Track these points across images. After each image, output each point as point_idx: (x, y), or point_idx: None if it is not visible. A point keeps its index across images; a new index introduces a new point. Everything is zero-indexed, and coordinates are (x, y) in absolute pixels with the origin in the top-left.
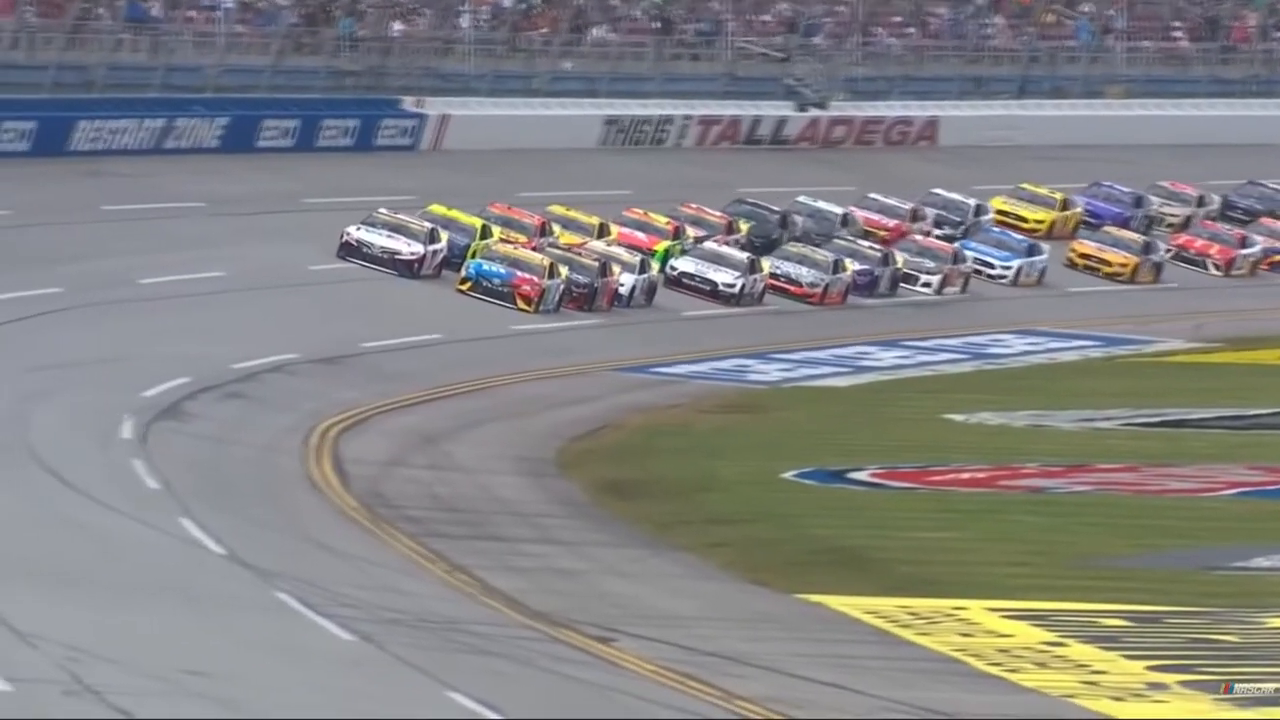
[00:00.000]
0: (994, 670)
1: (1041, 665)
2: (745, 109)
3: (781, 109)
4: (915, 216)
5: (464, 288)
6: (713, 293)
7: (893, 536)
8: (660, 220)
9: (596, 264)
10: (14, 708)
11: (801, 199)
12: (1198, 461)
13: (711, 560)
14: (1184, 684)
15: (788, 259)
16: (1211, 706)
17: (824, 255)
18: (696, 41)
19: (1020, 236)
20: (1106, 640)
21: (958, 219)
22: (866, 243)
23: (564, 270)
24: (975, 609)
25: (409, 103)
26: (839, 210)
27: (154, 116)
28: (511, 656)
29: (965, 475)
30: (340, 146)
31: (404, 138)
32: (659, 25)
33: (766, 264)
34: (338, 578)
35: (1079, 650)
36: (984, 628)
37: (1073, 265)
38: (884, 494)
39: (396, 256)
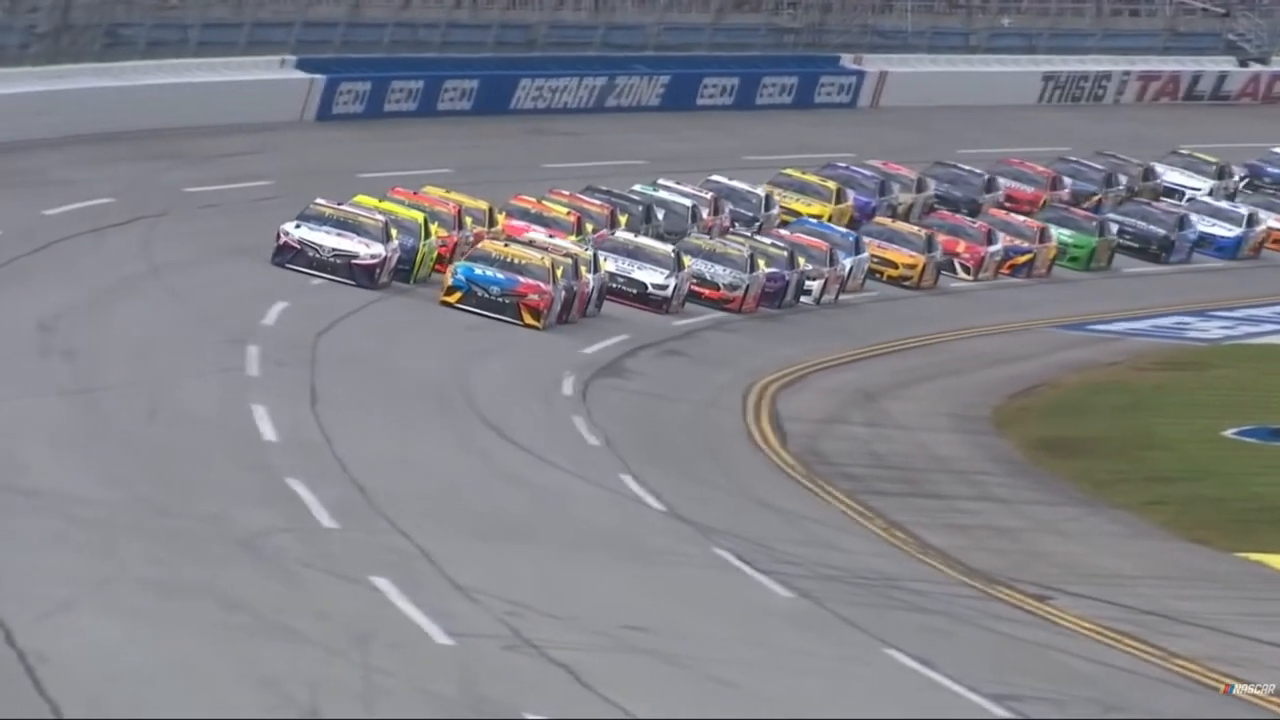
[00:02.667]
0: None
1: None
2: (1185, 64)
3: (1222, 64)
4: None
5: (451, 300)
6: (640, 297)
7: None
8: (559, 210)
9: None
10: (455, 662)
11: (715, 178)
12: None
13: (1150, 518)
14: None
15: (698, 255)
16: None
17: (737, 249)
18: None
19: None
20: None
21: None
22: (769, 239)
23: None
24: None
25: (848, 60)
26: (756, 192)
27: (595, 75)
28: (949, 614)
29: None
30: (779, 104)
31: (842, 95)
32: None
33: (687, 260)
34: (777, 535)
35: None
36: None
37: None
38: None
39: (353, 261)
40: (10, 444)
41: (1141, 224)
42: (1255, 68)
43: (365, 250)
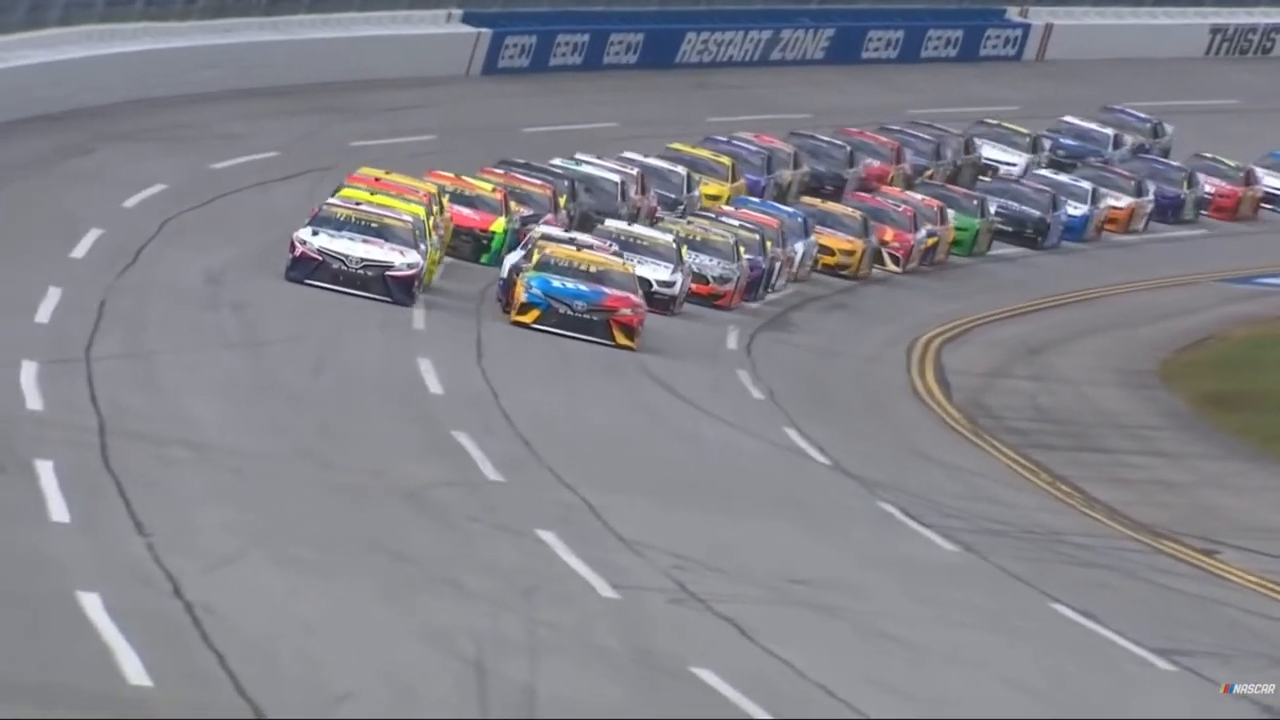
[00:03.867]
0: None
1: None
2: None
3: None
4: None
5: (526, 319)
6: (646, 297)
7: None
8: (484, 188)
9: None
10: (620, 614)
11: (630, 155)
12: None
13: None
14: None
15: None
16: None
17: (721, 235)
18: None
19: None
20: None
21: None
22: (735, 220)
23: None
24: None
25: (1014, 13)
26: (677, 171)
27: (760, 28)
28: (1114, 568)
29: None
30: (944, 57)
31: (1008, 48)
32: None
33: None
34: (940, 488)
35: None
36: None
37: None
38: None
39: (387, 272)
40: (178, 397)
41: (1015, 205)
42: None
43: (400, 259)
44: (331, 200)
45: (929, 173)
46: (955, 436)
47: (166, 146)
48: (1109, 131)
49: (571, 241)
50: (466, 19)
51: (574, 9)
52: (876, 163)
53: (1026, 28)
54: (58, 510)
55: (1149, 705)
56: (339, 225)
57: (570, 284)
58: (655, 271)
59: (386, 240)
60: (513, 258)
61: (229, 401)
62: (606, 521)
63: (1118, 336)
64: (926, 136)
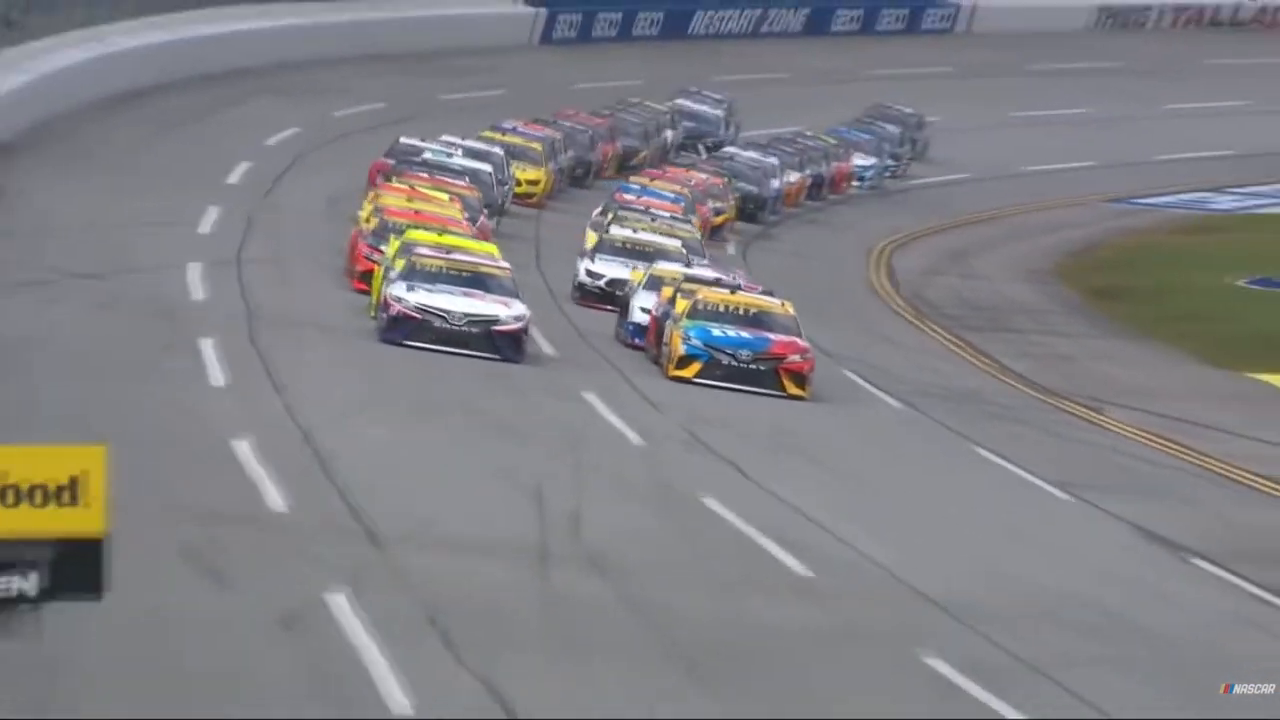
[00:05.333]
0: None
1: None
2: None
3: None
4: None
5: (687, 374)
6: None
7: None
8: (440, 196)
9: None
10: (645, 457)
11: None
12: None
13: (1181, 348)
14: None
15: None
16: None
17: (687, 230)
18: None
19: None
20: None
21: None
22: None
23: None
24: None
25: None
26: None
27: (753, 7)
28: (1024, 421)
29: None
30: (894, 30)
31: (944, 23)
32: None
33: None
34: (891, 360)
35: None
36: None
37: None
38: None
39: (494, 327)
40: (307, 290)
41: (738, 182)
42: None
43: (506, 312)
44: (420, 250)
45: (642, 154)
46: (902, 320)
47: (299, 99)
48: (719, 113)
49: (718, 283)
50: (528, 1)
51: None
52: (616, 143)
53: (958, 6)
54: (215, 377)
55: (1048, 524)
56: (433, 278)
57: (731, 332)
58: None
59: (487, 291)
60: (645, 300)
61: (347, 293)
62: (637, 388)
63: (1023, 245)
64: (634, 119)
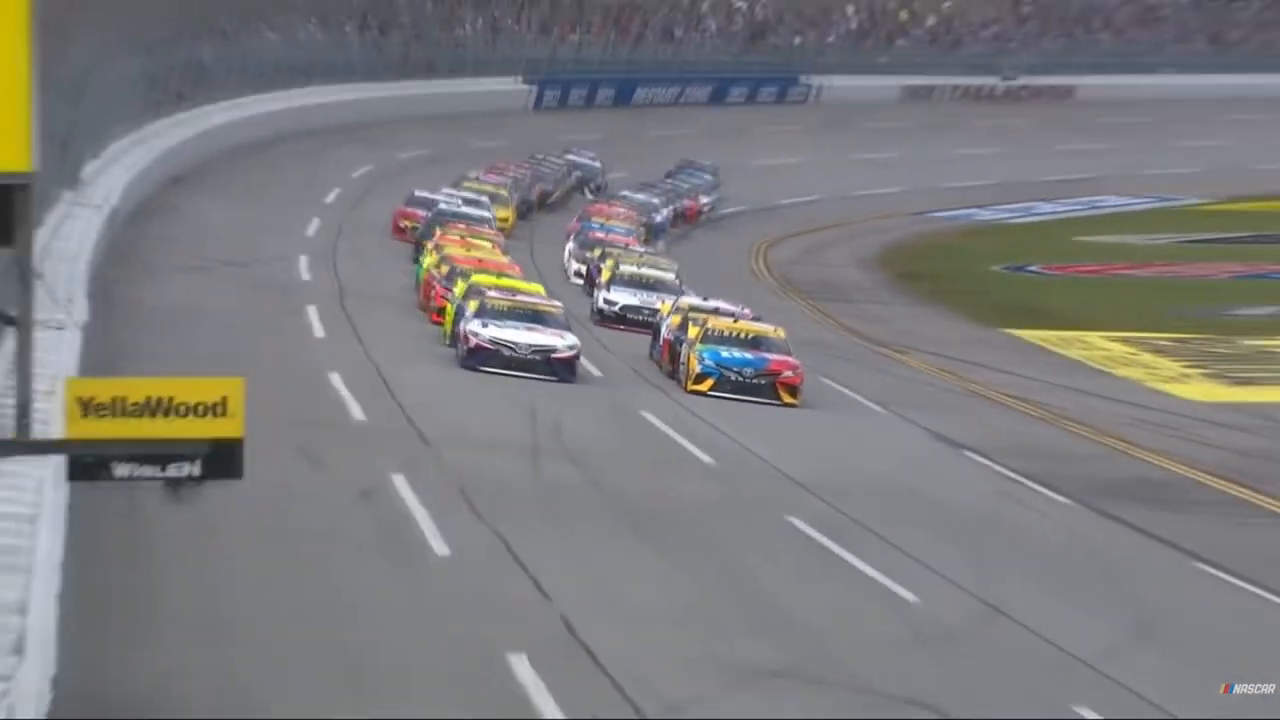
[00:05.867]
0: (1102, 366)
1: (1126, 364)
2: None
3: None
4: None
5: (702, 388)
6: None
7: (1054, 299)
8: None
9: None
10: (602, 385)
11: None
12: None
13: (958, 312)
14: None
15: (636, 282)
16: None
17: (668, 264)
18: None
19: None
20: (1163, 351)
21: None
22: (641, 249)
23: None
24: (1094, 337)
25: (804, 78)
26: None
27: (670, 86)
28: (859, 362)
29: (1089, 268)
30: (769, 101)
31: (799, 96)
32: None
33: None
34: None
35: (1147, 358)
36: (1097, 346)
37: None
38: (1048, 278)
39: (552, 355)
40: (379, 273)
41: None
42: None
43: (562, 342)
44: (491, 293)
45: (555, 194)
46: (774, 294)
47: (372, 146)
48: (597, 164)
49: (716, 311)
50: (525, 80)
51: (580, 76)
52: (540, 185)
53: (810, 86)
54: (318, 331)
55: (872, 429)
56: (503, 315)
57: (737, 353)
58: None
59: (545, 325)
60: (665, 330)
61: (405, 276)
62: (597, 337)
63: (856, 243)
64: (548, 169)
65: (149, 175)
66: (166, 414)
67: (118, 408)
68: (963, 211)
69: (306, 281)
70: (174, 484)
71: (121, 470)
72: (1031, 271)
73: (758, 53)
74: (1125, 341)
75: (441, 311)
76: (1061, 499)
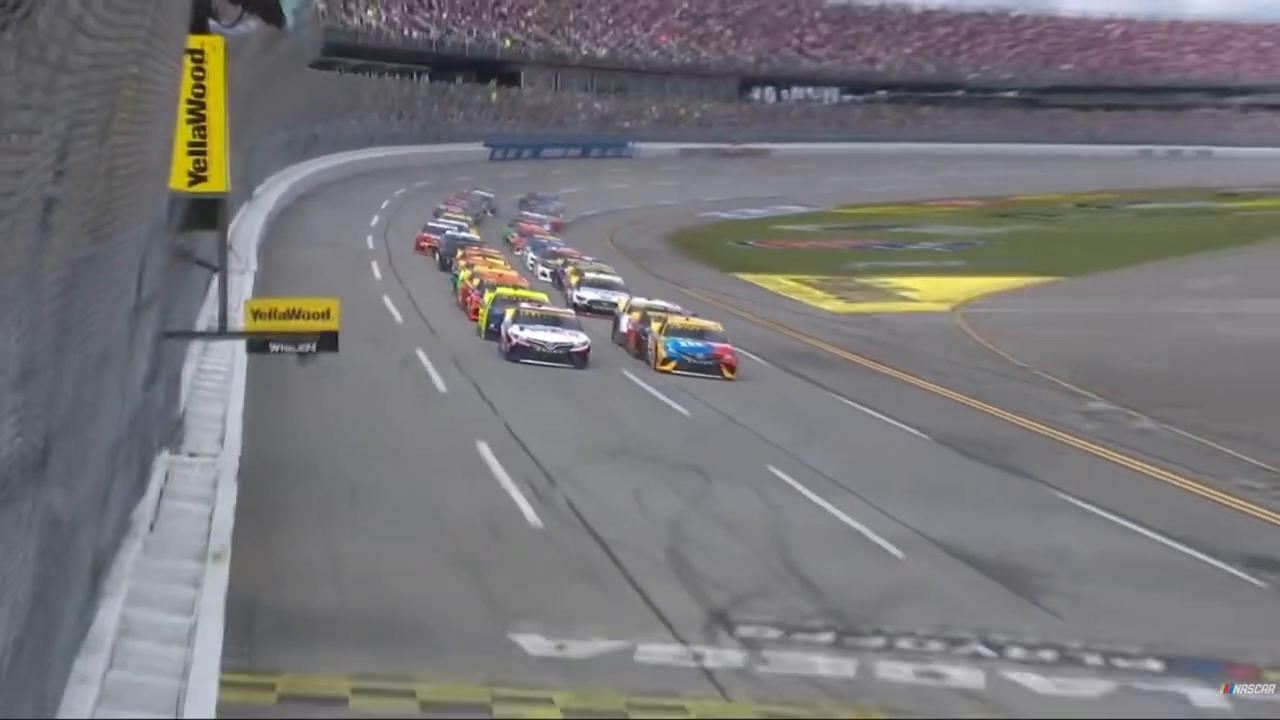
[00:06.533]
0: (785, 294)
1: (798, 292)
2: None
3: None
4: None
5: (668, 368)
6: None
7: (762, 260)
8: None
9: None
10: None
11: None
12: None
13: (714, 266)
14: None
15: (596, 284)
16: None
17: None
18: None
19: None
20: (816, 287)
21: None
22: (587, 257)
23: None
24: (780, 278)
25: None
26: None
27: (578, 146)
28: (662, 295)
29: (779, 243)
30: (611, 156)
31: (627, 157)
32: None
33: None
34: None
35: (807, 290)
36: (783, 284)
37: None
38: (758, 249)
39: (571, 349)
40: (413, 247)
41: None
42: None
43: (577, 340)
44: (524, 305)
45: (478, 214)
46: (617, 259)
47: (402, 178)
48: (493, 196)
49: (665, 309)
50: (485, 145)
51: (515, 143)
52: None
53: (632, 147)
54: (377, 275)
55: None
56: (534, 320)
57: (691, 342)
58: (619, 297)
59: (564, 327)
60: (625, 319)
61: (426, 257)
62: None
63: (661, 227)
64: (489, 194)
65: (288, 195)
66: (297, 317)
67: (272, 314)
68: (713, 213)
69: (371, 248)
70: (302, 355)
71: (274, 347)
72: (749, 245)
73: (607, 130)
74: (796, 281)
75: (476, 311)
76: (764, 362)
